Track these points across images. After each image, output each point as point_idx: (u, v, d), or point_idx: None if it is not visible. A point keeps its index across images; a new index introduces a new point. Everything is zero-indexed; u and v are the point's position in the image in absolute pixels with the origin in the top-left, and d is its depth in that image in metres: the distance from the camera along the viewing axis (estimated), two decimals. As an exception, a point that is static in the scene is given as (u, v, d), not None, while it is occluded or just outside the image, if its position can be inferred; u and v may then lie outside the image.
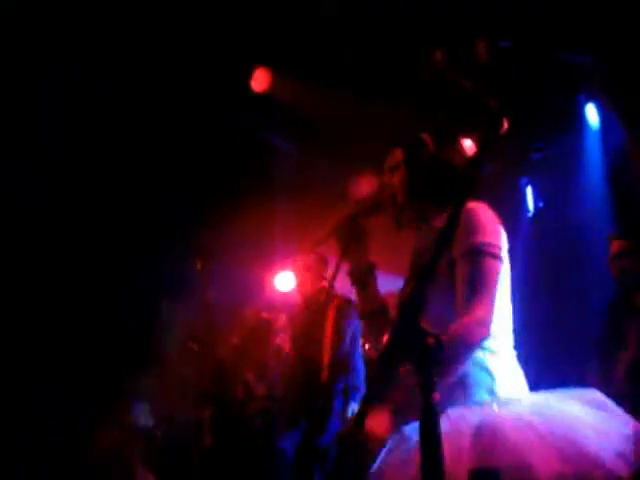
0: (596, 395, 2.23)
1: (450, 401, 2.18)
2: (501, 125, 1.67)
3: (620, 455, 2.02)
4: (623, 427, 2.13)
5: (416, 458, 2.00)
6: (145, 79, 5.45)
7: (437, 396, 1.60)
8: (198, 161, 6.05)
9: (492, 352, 2.30)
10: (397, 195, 2.58)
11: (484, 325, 2.18)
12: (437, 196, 2.51)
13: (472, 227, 2.27)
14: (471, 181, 1.78)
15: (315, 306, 4.97)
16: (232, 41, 5.40)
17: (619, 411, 2.21)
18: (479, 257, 2.24)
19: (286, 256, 6.15)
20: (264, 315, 5.56)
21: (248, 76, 5.75)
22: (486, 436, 2.05)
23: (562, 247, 5.70)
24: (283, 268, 6.39)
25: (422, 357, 1.57)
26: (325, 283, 4.99)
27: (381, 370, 1.69)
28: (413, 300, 1.62)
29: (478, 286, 2.21)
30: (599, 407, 2.19)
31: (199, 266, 4.51)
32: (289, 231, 6.05)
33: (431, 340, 1.57)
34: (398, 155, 2.61)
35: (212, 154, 6.03)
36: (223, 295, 5.13)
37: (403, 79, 5.17)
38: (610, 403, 2.23)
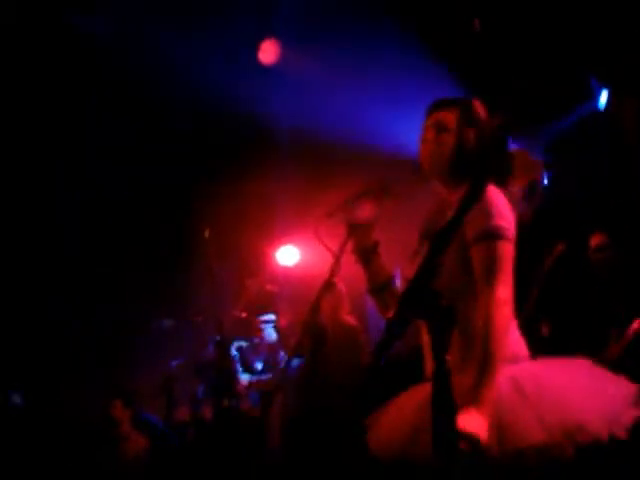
0: (588, 362, 2.36)
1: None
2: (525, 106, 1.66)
3: (608, 418, 2.12)
4: (614, 390, 2.23)
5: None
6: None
7: (449, 357, 1.64)
8: (202, 136, 6.06)
9: None
10: (440, 155, 2.51)
11: (507, 304, 2.27)
12: (471, 170, 2.46)
13: (486, 210, 2.31)
14: (496, 158, 1.75)
15: None
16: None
17: (611, 376, 2.32)
18: (496, 240, 2.30)
19: (287, 231, 6.18)
20: (267, 287, 5.58)
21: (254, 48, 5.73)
22: None
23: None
24: (285, 242, 6.43)
25: (435, 317, 1.60)
26: None
27: (391, 334, 1.71)
28: (427, 264, 1.65)
29: (497, 268, 2.29)
30: (591, 373, 2.32)
31: (207, 234, 4.49)
32: (293, 205, 6.06)
33: (445, 302, 1.61)
34: (451, 117, 2.51)
35: (216, 129, 6.03)
36: (226, 266, 5.14)
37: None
38: (602, 369, 2.35)
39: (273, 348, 5.52)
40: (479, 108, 2.54)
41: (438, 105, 2.56)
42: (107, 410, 5.23)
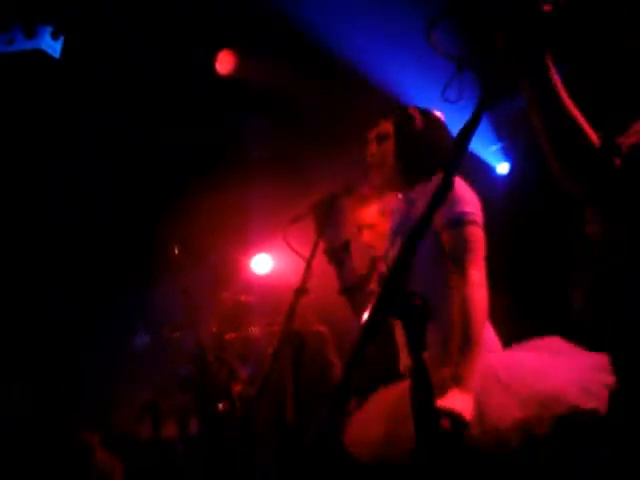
0: (558, 340, 2.41)
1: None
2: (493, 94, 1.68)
3: (583, 387, 2.16)
4: (587, 363, 2.28)
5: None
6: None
7: (426, 354, 1.65)
8: (172, 146, 6.03)
9: None
10: (383, 164, 2.64)
11: (482, 286, 2.30)
12: (419, 168, 2.56)
13: (452, 199, 2.37)
14: (461, 151, 1.78)
15: None
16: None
17: (582, 351, 2.36)
18: (464, 226, 2.35)
19: (262, 239, 6.16)
20: (242, 298, 5.56)
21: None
22: None
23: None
24: (259, 251, 6.42)
25: (411, 317, 1.61)
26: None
27: (366, 335, 1.71)
28: (401, 262, 1.66)
29: (467, 253, 2.33)
30: (561, 350, 2.37)
31: (176, 251, 4.47)
32: (264, 214, 6.05)
33: (419, 300, 1.62)
34: (387, 126, 2.66)
35: (187, 138, 6.01)
36: (199, 279, 5.10)
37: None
38: (572, 345, 2.39)
39: (260, 356, 5.50)
40: (414, 112, 2.65)
41: (376, 120, 2.72)
42: (74, 438, 5.04)
